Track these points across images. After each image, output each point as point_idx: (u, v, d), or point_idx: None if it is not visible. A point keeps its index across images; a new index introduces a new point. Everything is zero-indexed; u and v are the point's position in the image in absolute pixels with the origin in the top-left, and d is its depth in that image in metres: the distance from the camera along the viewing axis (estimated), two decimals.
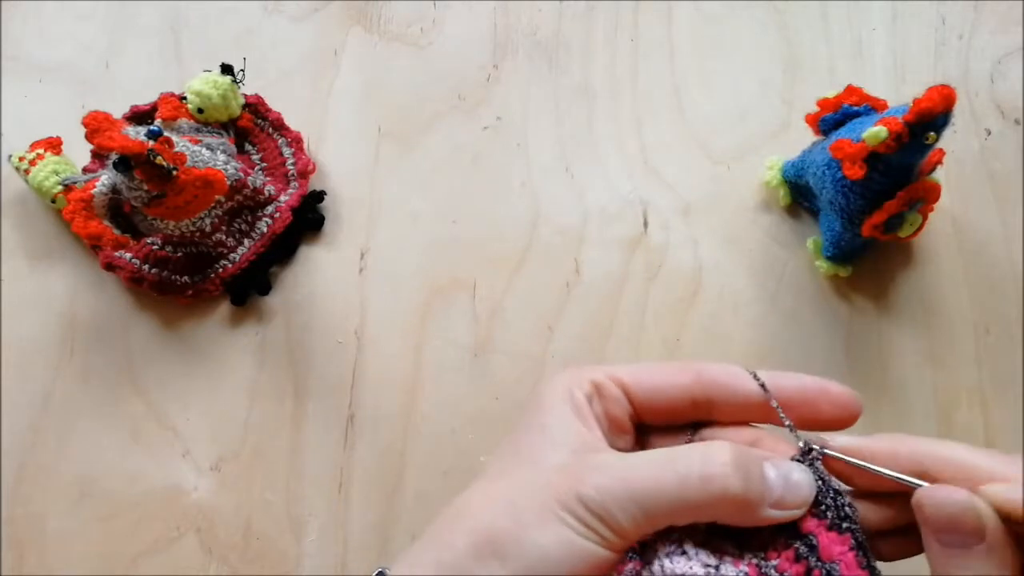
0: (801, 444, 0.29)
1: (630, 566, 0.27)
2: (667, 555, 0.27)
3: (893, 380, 0.46)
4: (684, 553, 0.27)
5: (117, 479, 0.45)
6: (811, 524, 0.28)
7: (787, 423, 0.30)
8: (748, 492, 0.27)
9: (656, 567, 0.27)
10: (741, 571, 0.27)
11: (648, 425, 0.32)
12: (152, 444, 0.46)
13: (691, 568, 0.27)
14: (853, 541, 0.27)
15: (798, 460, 0.29)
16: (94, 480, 0.45)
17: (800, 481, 0.28)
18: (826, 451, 0.28)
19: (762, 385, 0.30)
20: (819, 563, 0.27)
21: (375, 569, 0.30)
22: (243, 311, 0.48)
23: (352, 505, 0.45)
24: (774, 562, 0.27)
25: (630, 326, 0.47)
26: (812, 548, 0.27)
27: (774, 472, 0.28)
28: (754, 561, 0.27)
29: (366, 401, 0.46)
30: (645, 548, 0.28)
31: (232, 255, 0.48)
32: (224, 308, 0.48)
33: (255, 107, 0.50)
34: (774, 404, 0.30)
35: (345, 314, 0.48)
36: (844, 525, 0.27)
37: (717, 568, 0.27)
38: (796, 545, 0.27)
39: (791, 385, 0.30)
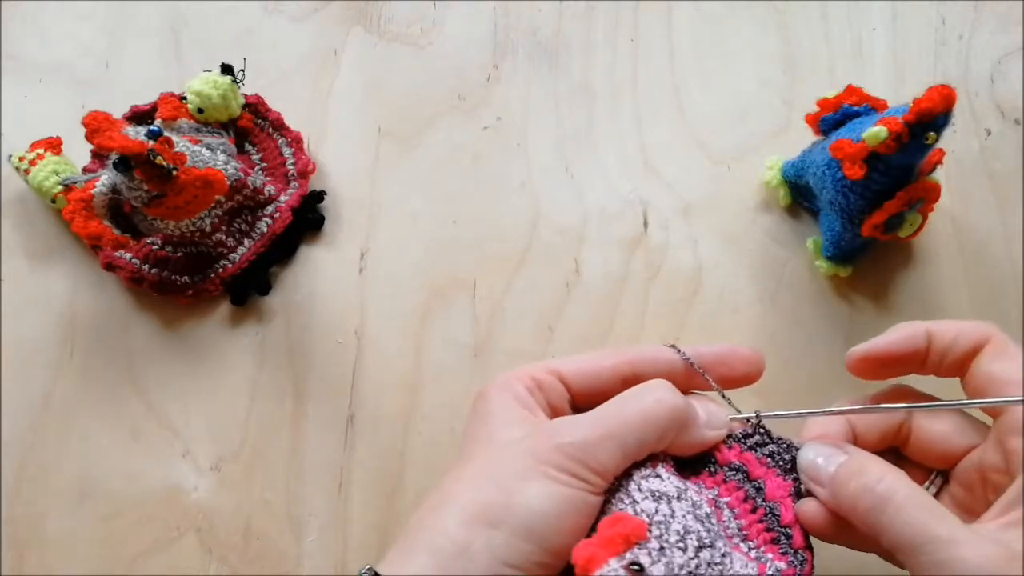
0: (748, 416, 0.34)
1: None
2: (643, 478, 0.31)
3: (893, 379, 0.45)
4: (658, 476, 0.31)
5: (117, 479, 0.45)
6: (760, 471, 0.33)
7: (709, 380, 0.34)
8: (688, 407, 0.32)
9: (632, 486, 0.30)
10: (702, 499, 0.31)
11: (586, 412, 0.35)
12: (152, 444, 0.46)
13: (664, 487, 0.30)
14: (793, 488, 0.32)
15: (752, 426, 0.34)
16: (94, 480, 0.45)
17: (715, 409, 0.33)
18: (764, 414, 0.34)
19: (680, 351, 0.34)
20: (763, 503, 0.32)
21: (363, 568, 0.30)
22: (243, 311, 0.48)
23: (352, 505, 0.45)
24: (726, 499, 0.32)
25: (630, 326, 0.47)
26: (759, 491, 0.32)
27: (694, 401, 0.33)
28: (711, 496, 0.32)
29: (366, 401, 0.46)
30: (619, 479, 0.31)
31: (232, 255, 0.48)
32: (224, 308, 0.48)
33: (255, 107, 0.50)
34: (696, 367, 0.34)
35: (345, 314, 0.48)
36: (793, 475, 0.33)
37: (685, 490, 0.31)
38: (746, 488, 0.32)
39: (708, 351, 0.35)
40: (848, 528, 0.32)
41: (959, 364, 0.33)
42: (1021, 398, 0.30)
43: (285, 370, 0.47)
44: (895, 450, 0.36)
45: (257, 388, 0.47)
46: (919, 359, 0.34)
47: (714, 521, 0.30)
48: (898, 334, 0.34)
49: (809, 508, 0.32)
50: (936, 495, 0.34)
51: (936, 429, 0.34)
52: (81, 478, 0.45)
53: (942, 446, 0.34)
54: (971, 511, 0.32)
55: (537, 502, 0.28)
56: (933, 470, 0.35)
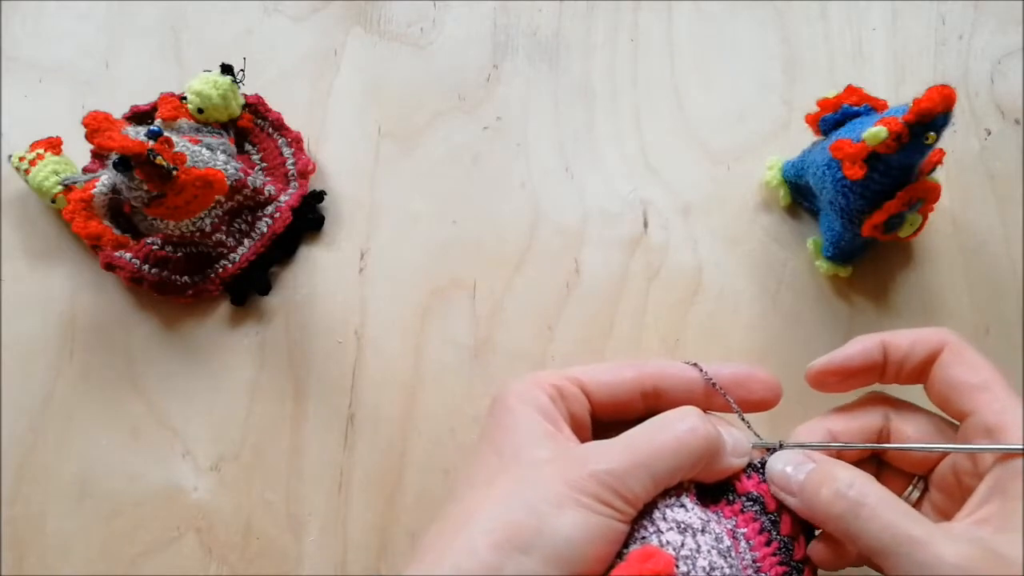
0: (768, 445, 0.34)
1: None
2: (667, 507, 0.31)
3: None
4: (683, 506, 0.31)
5: (117, 479, 0.45)
6: (776, 503, 0.32)
7: (733, 404, 0.34)
8: (720, 437, 0.32)
9: (657, 515, 0.30)
10: (723, 531, 0.31)
11: (603, 423, 0.35)
12: (152, 444, 0.46)
13: (689, 518, 0.30)
14: (804, 522, 0.32)
15: (769, 453, 0.34)
16: (94, 480, 0.45)
17: (739, 435, 0.33)
18: (786, 444, 0.34)
19: (702, 370, 0.34)
20: (778, 536, 0.32)
21: None
22: (243, 311, 0.48)
23: (352, 505, 0.45)
24: (743, 530, 0.32)
25: (630, 326, 0.47)
26: (775, 524, 0.32)
27: (721, 426, 0.33)
28: (729, 527, 0.32)
29: (366, 401, 0.46)
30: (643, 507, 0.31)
31: (232, 255, 0.48)
32: (224, 308, 0.48)
33: (255, 107, 0.50)
34: (719, 388, 0.34)
35: (345, 314, 0.48)
36: None
37: (708, 522, 0.31)
38: (762, 520, 0.32)
39: (726, 372, 0.35)
40: (843, 550, 0.32)
41: (918, 372, 0.33)
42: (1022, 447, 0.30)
43: (285, 370, 0.47)
44: (876, 457, 0.36)
45: (257, 388, 0.47)
46: (877, 370, 0.34)
47: (733, 555, 0.30)
48: (854, 348, 0.34)
49: (817, 550, 0.33)
50: (918, 500, 0.35)
51: (912, 433, 0.34)
52: (81, 478, 0.45)
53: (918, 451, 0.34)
54: (951, 516, 0.32)
55: (569, 530, 0.28)
56: (914, 475, 0.35)
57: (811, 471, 0.31)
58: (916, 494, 0.35)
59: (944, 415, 0.34)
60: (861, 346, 0.34)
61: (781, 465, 0.32)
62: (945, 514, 0.33)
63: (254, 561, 0.44)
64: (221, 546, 0.44)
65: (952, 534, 0.28)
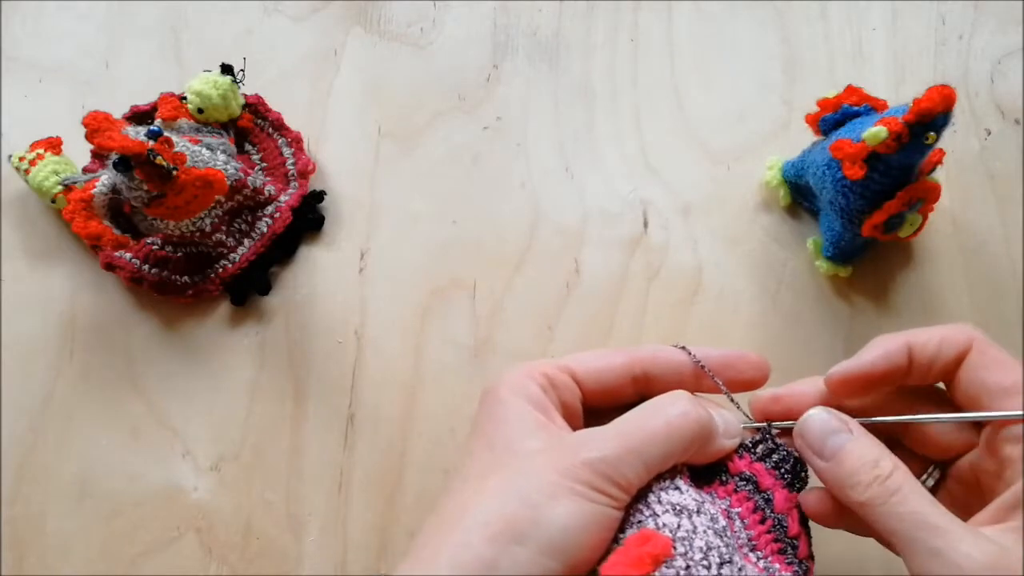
0: (756, 425, 0.34)
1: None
2: (662, 490, 0.31)
3: None
4: (677, 489, 0.31)
5: (117, 479, 0.45)
6: (769, 482, 0.33)
7: (721, 385, 0.35)
8: (711, 419, 0.32)
9: (652, 498, 0.30)
10: (717, 511, 0.31)
11: (595, 409, 0.35)
12: (152, 444, 0.46)
13: (684, 500, 0.30)
14: (798, 500, 0.33)
15: (762, 436, 0.34)
16: (94, 480, 0.45)
17: (730, 417, 0.33)
18: (775, 425, 0.34)
19: (690, 353, 0.34)
20: (772, 514, 0.32)
21: None
22: (243, 311, 0.48)
23: (352, 505, 0.45)
24: (737, 509, 0.32)
25: (630, 326, 0.47)
26: (768, 502, 0.32)
27: (712, 409, 0.33)
28: (723, 507, 0.32)
29: (366, 401, 0.46)
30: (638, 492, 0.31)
31: (232, 255, 0.48)
32: (224, 308, 0.48)
33: (255, 107, 0.50)
34: (707, 370, 0.34)
35: (345, 314, 0.48)
36: (797, 485, 0.33)
37: (703, 503, 0.31)
38: (756, 499, 0.32)
39: (716, 354, 0.35)
40: (848, 514, 0.32)
41: (945, 373, 0.33)
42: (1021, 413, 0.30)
43: (285, 370, 0.47)
44: (894, 440, 0.36)
45: (257, 388, 0.47)
46: (902, 373, 0.33)
47: (729, 534, 0.31)
48: (877, 351, 0.33)
49: (813, 499, 0.33)
50: (934, 488, 0.35)
51: (936, 424, 0.34)
52: (81, 478, 0.45)
53: (941, 440, 0.34)
54: (967, 510, 0.32)
55: (564, 519, 0.28)
56: (931, 463, 0.35)
57: (850, 443, 0.31)
58: (930, 483, 0.35)
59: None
60: (885, 349, 0.33)
61: (818, 428, 0.32)
62: (964, 509, 0.33)
63: (254, 561, 0.44)
64: (221, 546, 0.44)
65: (974, 531, 0.29)
